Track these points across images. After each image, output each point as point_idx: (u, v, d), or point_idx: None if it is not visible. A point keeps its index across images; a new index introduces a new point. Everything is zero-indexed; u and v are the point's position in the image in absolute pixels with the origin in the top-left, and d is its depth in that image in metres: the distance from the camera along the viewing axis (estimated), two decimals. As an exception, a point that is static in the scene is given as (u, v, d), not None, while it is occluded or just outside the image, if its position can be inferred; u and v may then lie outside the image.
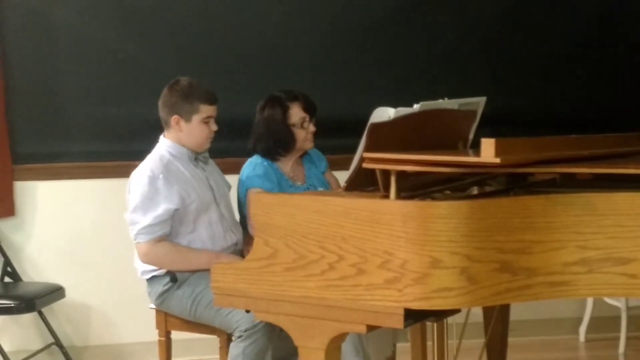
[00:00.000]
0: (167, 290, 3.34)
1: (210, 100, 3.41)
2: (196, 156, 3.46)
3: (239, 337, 3.16)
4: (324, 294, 2.43)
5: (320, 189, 3.62)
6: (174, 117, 3.39)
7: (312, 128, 3.57)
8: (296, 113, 3.54)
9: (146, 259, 3.33)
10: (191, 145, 3.43)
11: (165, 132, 3.47)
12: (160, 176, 3.31)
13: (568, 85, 4.87)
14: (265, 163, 3.56)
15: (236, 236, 3.48)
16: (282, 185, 3.53)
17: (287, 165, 3.61)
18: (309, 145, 3.60)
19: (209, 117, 3.41)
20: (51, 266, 4.53)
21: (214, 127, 3.44)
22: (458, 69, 4.74)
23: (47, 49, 4.49)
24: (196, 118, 3.39)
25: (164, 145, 3.44)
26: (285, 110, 3.53)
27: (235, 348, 3.17)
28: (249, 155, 3.63)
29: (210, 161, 3.56)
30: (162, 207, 3.27)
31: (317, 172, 3.70)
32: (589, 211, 2.31)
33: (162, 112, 3.44)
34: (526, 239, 2.31)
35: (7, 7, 4.42)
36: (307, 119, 3.55)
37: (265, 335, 3.14)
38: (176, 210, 3.30)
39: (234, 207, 3.62)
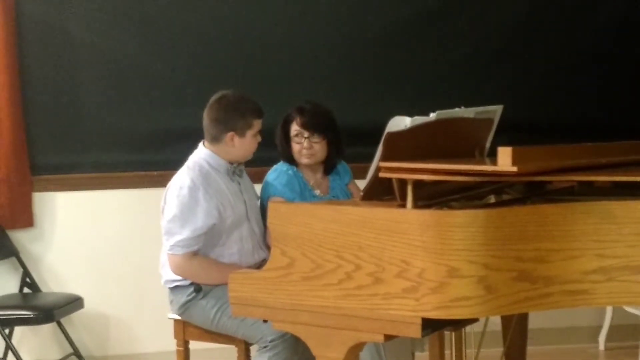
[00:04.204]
0: (190, 300, 3.31)
1: (260, 113, 3.37)
2: (234, 170, 3.40)
3: (264, 347, 3.14)
4: (341, 303, 2.42)
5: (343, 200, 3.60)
6: (230, 134, 3.30)
7: (306, 144, 3.50)
8: (293, 127, 3.53)
9: (178, 271, 3.29)
10: (238, 158, 3.39)
11: (207, 142, 3.39)
12: (201, 187, 3.25)
13: (585, 92, 4.84)
14: (290, 171, 3.55)
15: (265, 253, 3.43)
16: (304, 195, 3.52)
17: (311, 175, 3.60)
18: (304, 160, 3.54)
19: (258, 130, 3.37)
20: (70, 277, 4.54)
21: (259, 139, 3.40)
22: (474, 77, 4.73)
23: (65, 61, 4.51)
24: (249, 133, 3.33)
25: (203, 154, 3.36)
26: (287, 122, 3.54)
27: (260, 358, 3.15)
28: (276, 161, 3.62)
29: (244, 174, 3.51)
30: (201, 220, 3.22)
31: (341, 183, 3.69)
32: (607, 219, 2.30)
33: (213, 129, 3.33)
34: (544, 248, 2.30)
35: (26, 21, 4.45)
36: (304, 135, 3.50)
37: (291, 346, 3.11)
38: (214, 224, 3.26)
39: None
